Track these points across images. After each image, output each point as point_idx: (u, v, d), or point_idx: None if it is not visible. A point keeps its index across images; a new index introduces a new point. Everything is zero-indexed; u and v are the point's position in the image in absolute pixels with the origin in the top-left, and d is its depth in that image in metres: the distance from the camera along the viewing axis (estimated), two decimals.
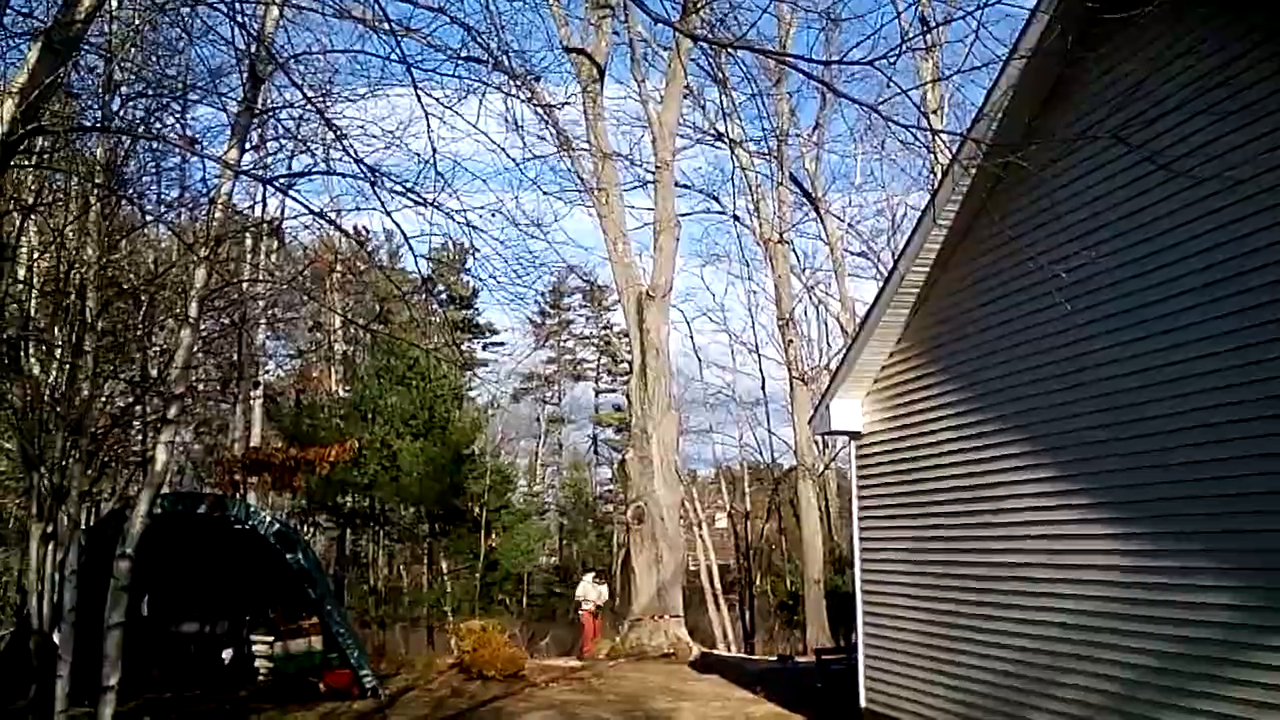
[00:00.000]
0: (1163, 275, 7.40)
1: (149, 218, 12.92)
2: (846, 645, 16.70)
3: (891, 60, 4.56)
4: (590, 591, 21.29)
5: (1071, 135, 7.74)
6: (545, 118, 17.61)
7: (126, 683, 8.18)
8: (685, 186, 29.97)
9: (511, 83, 7.96)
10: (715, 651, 24.28)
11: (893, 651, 10.97)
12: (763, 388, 38.57)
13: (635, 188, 26.63)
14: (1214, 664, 6.80)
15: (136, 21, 11.16)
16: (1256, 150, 6.45)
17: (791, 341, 28.57)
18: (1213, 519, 6.92)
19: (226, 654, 15.89)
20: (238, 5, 7.33)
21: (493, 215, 7.72)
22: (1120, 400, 7.79)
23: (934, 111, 23.10)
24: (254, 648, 15.67)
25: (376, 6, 6.57)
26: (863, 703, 11.49)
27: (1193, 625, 6.99)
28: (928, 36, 20.90)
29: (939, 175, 15.72)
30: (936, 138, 15.37)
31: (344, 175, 8.21)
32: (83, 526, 12.22)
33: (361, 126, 11.59)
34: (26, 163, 9.24)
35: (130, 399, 15.13)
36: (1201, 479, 7.02)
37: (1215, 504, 6.90)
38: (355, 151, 7.34)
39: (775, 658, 20.60)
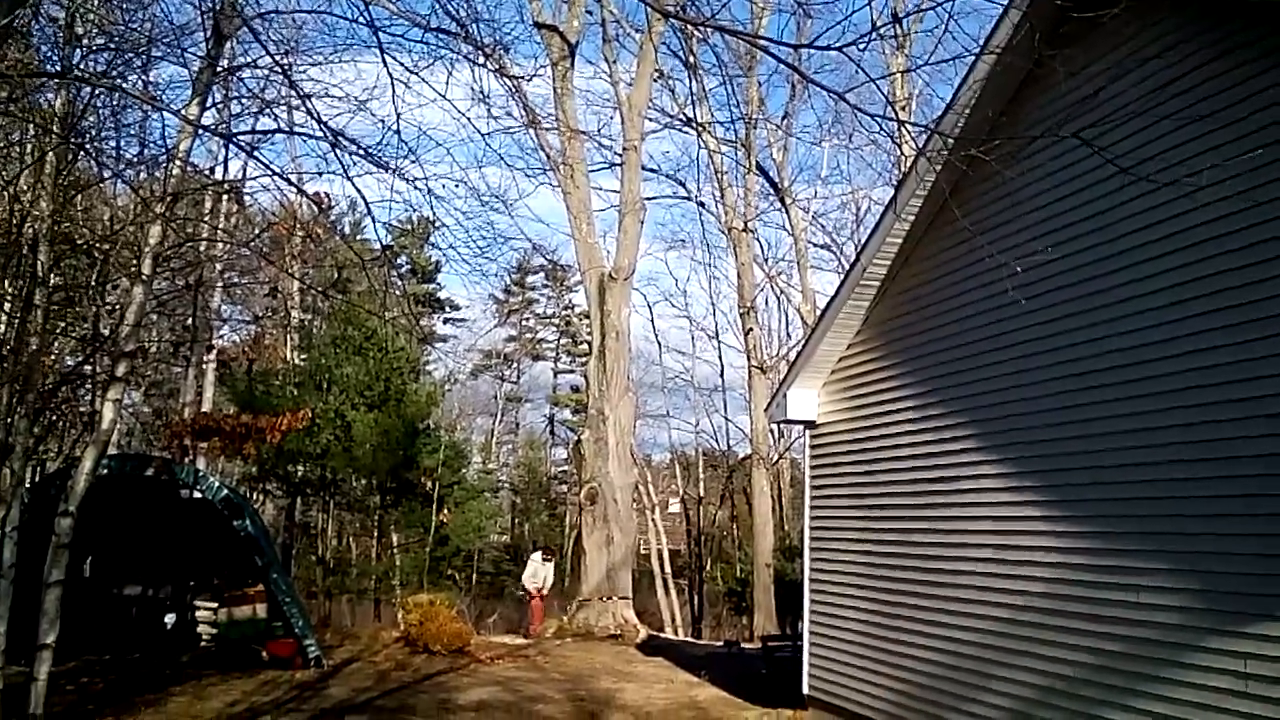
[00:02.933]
0: (1119, 277, 7.48)
1: (106, 173, 12.70)
2: (793, 633, 16.81)
3: (862, 46, 4.56)
4: (539, 571, 21.23)
5: (1035, 134, 7.80)
6: (513, 91, 17.49)
7: (65, 643, 8.09)
8: (652, 170, 29.95)
9: (480, 54, 7.87)
10: (662, 635, 24.37)
11: (838, 640, 11.06)
12: (721, 375, 38.84)
13: (602, 169, 26.60)
14: (1153, 664, 6.90)
15: None
16: (1214, 158, 6.51)
17: (751, 330, 28.65)
18: (1157, 520, 7.01)
19: (169, 619, 15.76)
20: None
21: (456, 186, 7.65)
22: (1071, 398, 7.88)
23: (902, 106, 23.18)
24: (197, 614, 15.55)
25: None
26: (806, 689, 11.58)
27: (1134, 624, 7.09)
28: (898, 26, 20.99)
29: (904, 169, 15.75)
30: (903, 129, 15.40)
31: (307, 137, 8.11)
32: (26, 485, 12.04)
33: (326, 90, 11.42)
34: None
35: (80, 356, 14.92)
36: (1148, 480, 7.12)
37: (1160, 505, 7.00)
38: (319, 114, 7.24)
39: (722, 643, 20.70)
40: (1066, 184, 8.03)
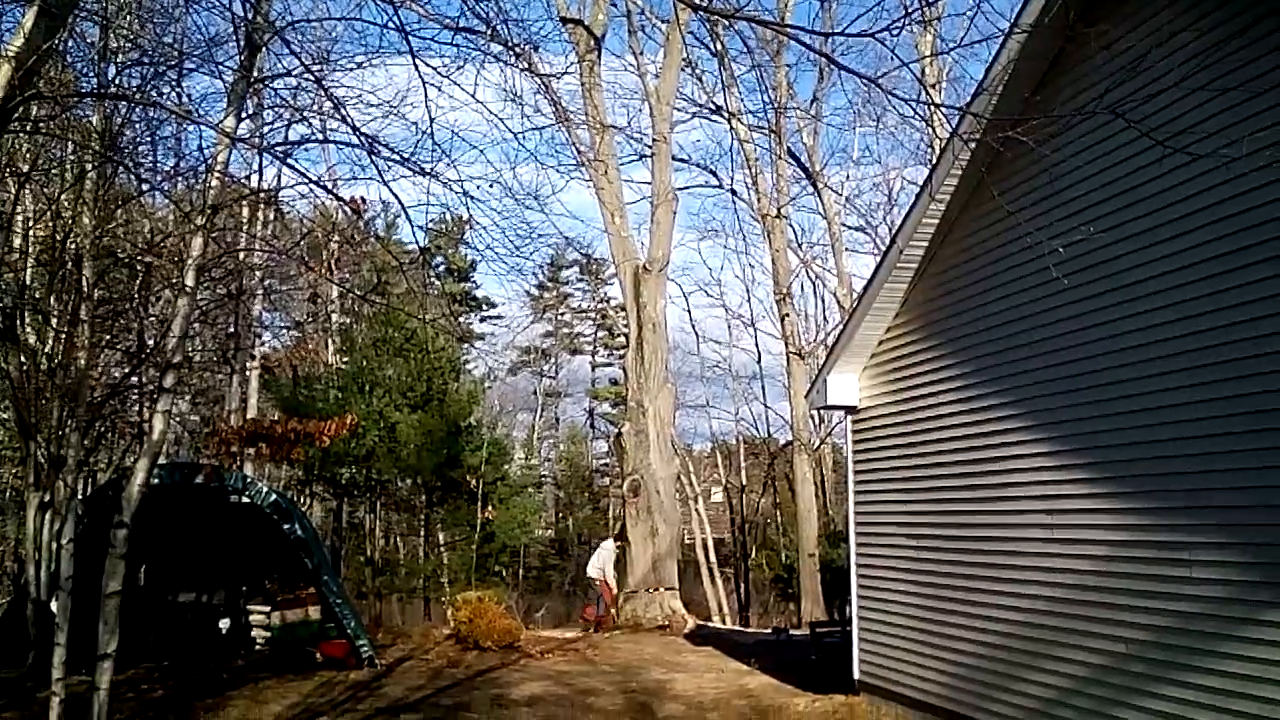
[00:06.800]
0: (1160, 250, 7.40)
1: (145, 186, 12.88)
2: (841, 618, 16.78)
3: (894, 32, 4.53)
4: (610, 559, 20.49)
5: (1070, 111, 7.71)
6: (543, 88, 17.50)
7: (124, 651, 8.22)
8: (683, 160, 29.97)
9: (509, 53, 7.90)
10: (710, 624, 24.39)
11: (887, 624, 11.04)
12: (759, 362, 38.68)
13: (633, 161, 26.61)
14: (1205, 638, 6.84)
15: None
16: (1253, 128, 6.43)
17: (788, 316, 28.55)
18: (1207, 494, 6.94)
19: (224, 624, 15.96)
20: None
21: (490, 186, 7.67)
22: (1117, 375, 7.81)
23: (933, 85, 23.02)
24: (251, 618, 15.74)
25: None
26: (856, 674, 11.57)
27: (1185, 599, 7.03)
28: (928, 9, 20.76)
29: (937, 150, 15.65)
30: (936, 112, 15.32)
31: (341, 144, 8.19)
32: (80, 496, 12.25)
33: (359, 96, 11.53)
34: (22, 130, 9.19)
35: (127, 369, 15.13)
36: (1196, 454, 7.05)
37: (1210, 479, 6.93)
38: (352, 120, 7.29)
39: (770, 630, 20.65)
40: (1104, 159, 7.95)
